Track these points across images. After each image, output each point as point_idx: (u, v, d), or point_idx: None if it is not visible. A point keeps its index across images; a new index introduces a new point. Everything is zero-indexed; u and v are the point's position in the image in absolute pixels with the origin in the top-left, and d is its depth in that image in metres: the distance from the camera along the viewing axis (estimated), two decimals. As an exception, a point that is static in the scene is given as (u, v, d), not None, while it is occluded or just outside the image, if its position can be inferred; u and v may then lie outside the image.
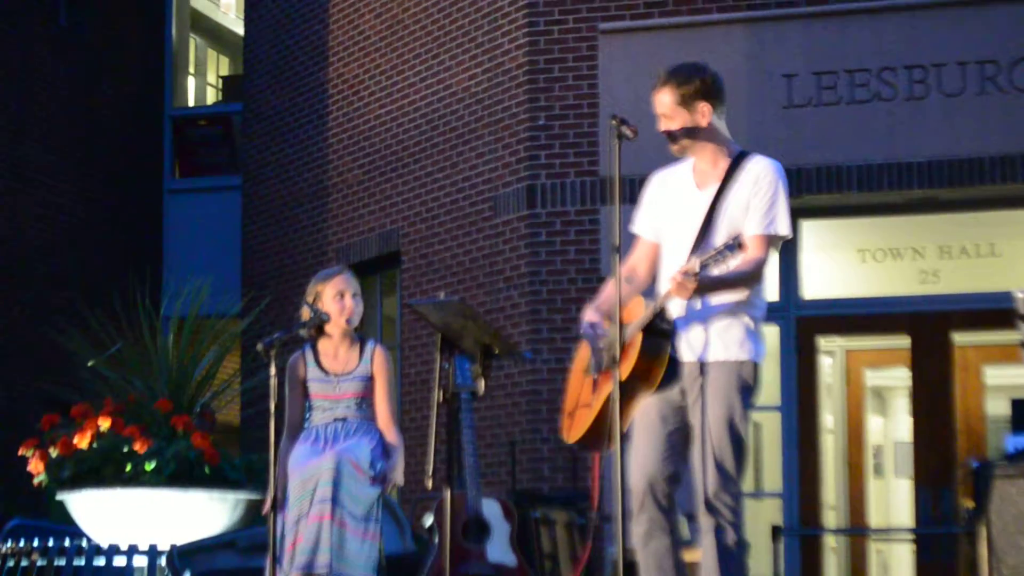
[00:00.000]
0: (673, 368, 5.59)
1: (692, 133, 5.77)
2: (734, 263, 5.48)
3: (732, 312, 5.68)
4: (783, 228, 5.73)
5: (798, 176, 10.73)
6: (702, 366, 5.66)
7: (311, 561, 6.40)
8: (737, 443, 5.63)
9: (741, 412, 5.66)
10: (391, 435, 6.74)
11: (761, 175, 5.74)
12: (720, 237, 5.65)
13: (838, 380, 12.67)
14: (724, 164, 5.80)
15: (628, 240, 5.77)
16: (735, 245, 5.40)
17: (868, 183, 10.65)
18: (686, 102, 5.75)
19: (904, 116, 10.61)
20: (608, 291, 5.77)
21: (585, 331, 5.74)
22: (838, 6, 10.86)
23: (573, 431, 5.82)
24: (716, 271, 5.45)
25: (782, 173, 5.80)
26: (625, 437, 5.58)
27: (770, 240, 5.72)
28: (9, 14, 15.64)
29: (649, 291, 5.87)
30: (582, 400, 5.81)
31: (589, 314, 5.77)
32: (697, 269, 5.43)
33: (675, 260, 5.68)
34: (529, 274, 11.15)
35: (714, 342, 5.67)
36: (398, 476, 6.71)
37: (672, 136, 5.77)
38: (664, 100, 5.78)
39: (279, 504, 6.47)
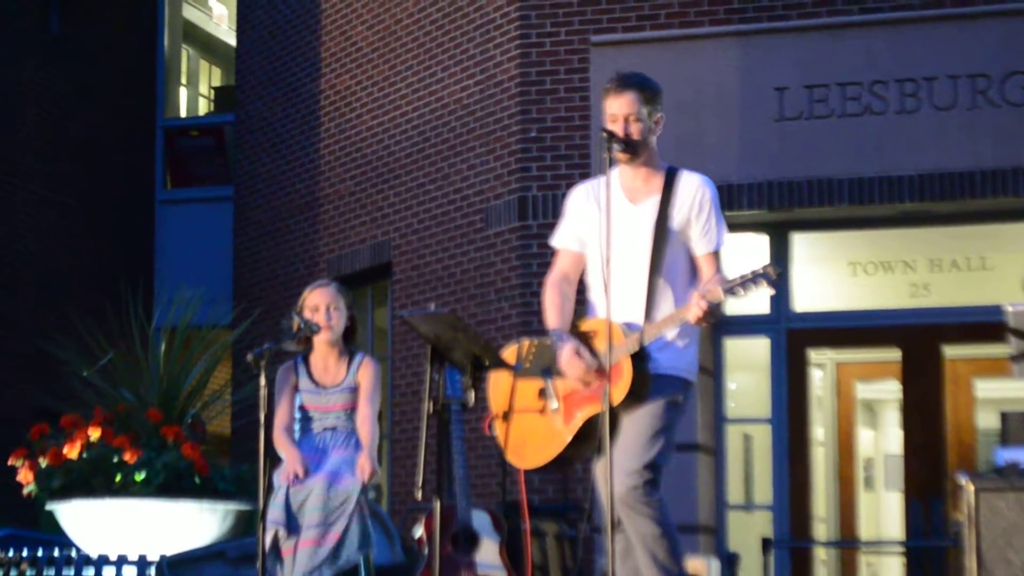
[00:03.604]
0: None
1: (647, 143, 5.75)
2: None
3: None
4: (724, 242, 5.77)
5: (789, 189, 10.74)
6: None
7: None
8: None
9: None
10: (364, 433, 6.89)
11: (698, 192, 5.74)
12: (673, 252, 5.67)
13: (829, 393, 12.68)
14: (657, 179, 5.78)
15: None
16: (764, 275, 5.37)
17: (859, 196, 10.65)
18: (650, 111, 5.72)
19: (895, 129, 10.62)
20: (560, 303, 5.80)
21: (562, 337, 5.71)
22: (830, 19, 10.86)
23: (531, 459, 5.82)
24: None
25: (714, 187, 5.81)
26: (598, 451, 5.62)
27: (718, 256, 5.75)
28: (0, 24, 15.63)
29: (580, 299, 5.89)
30: (521, 406, 5.79)
31: (555, 320, 5.78)
32: (723, 298, 5.41)
33: (626, 275, 5.66)
34: (520, 286, 11.14)
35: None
36: (368, 467, 6.87)
37: (632, 144, 5.69)
38: (629, 104, 5.68)
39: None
